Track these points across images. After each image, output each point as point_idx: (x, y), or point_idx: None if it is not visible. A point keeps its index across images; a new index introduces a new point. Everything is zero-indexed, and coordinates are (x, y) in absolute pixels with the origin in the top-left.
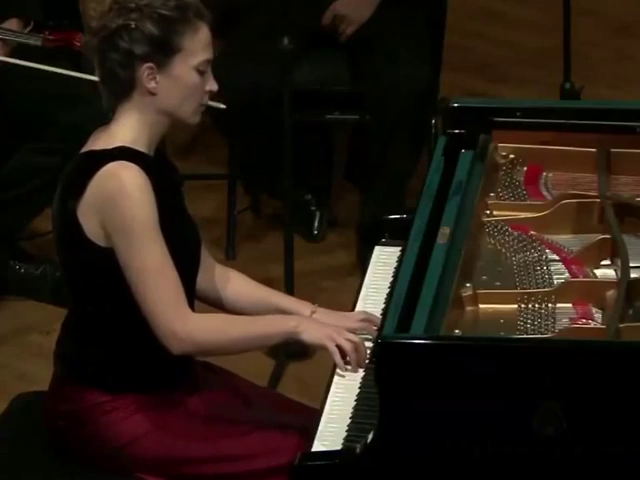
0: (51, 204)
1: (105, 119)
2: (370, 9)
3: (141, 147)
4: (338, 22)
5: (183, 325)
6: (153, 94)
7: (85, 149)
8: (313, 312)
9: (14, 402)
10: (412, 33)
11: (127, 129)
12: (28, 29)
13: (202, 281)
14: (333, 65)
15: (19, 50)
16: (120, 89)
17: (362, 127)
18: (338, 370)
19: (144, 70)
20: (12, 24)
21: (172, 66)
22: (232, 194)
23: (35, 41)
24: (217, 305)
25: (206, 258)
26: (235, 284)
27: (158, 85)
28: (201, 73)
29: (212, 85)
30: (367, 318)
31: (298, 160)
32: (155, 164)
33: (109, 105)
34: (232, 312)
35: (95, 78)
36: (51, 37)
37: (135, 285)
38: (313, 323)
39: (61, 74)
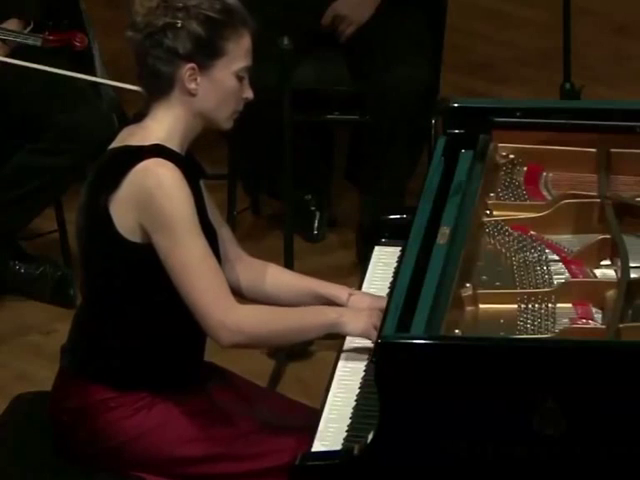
0: (51, 204)
1: (105, 119)
2: (370, 9)
3: (174, 146)
4: (338, 22)
5: (232, 316)
6: (192, 95)
7: (118, 144)
8: (351, 294)
9: (14, 402)
10: (412, 33)
11: (162, 126)
12: (28, 29)
13: (241, 277)
14: (333, 65)
15: (19, 50)
16: (159, 86)
17: (362, 127)
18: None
19: (186, 70)
20: (12, 24)
21: (214, 69)
22: (232, 194)
23: (35, 41)
24: (258, 298)
25: (239, 252)
26: (269, 274)
27: (198, 86)
28: (240, 79)
29: (249, 93)
30: None
31: (298, 160)
32: (187, 165)
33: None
34: (273, 304)
35: (95, 78)
36: (51, 37)
37: (180, 280)
38: (353, 313)
39: (61, 74)
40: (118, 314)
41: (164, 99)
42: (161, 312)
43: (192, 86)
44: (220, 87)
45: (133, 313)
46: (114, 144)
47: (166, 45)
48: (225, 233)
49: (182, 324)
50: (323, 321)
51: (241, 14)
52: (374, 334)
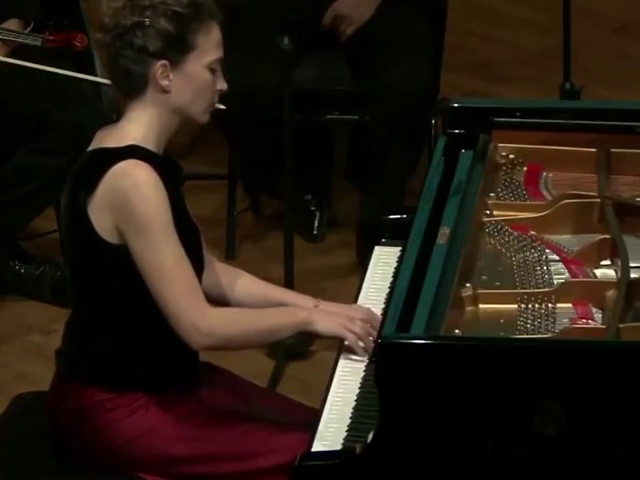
0: (51, 204)
1: (105, 119)
2: (371, 9)
3: (151, 146)
4: (338, 22)
5: (204, 320)
6: (166, 92)
7: (95, 146)
8: (316, 306)
9: (14, 402)
10: (412, 33)
11: (138, 127)
12: (28, 29)
13: (205, 279)
14: (333, 65)
15: (19, 50)
16: (132, 86)
17: (362, 127)
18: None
19: (158, 67)
20: (12, 24)
21: (186, 64)
22: (232, 194)
23: (35, 41)
24: (220, 303)
25: (209, 258)
26: (237, 281)
27: (171, 83)
28: (212, 72)
29: (222, 84)
30: (369, 316)
31: (298, 160)
32: (163, 164)
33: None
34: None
35: (95, 78)
36: (51, 37)
37: (154, 283)
38: (324, 313)
39: (61, 74)
40: (106, 316)
41: (138, 98)
42: (149, 312)
43: (165, 83)
44: (193, 81)
45: (120, 314)
46: (91, 146)
47: (136, 44)
48: None
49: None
50: (293, 320)
51: (208, 6)
52: (345, 334)
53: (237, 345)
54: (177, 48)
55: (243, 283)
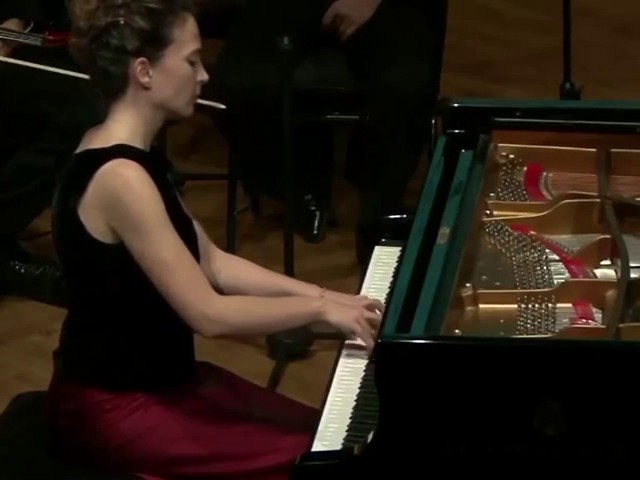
0: (51, 204)
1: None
2: (371, 9)
3: (137, 143)
4: (339, 22)
5: (213, 307)
6: (147, 88)
7: (82, 148)
8: (321, 295)
9: (14, 402)
10: (412, 33)
11: (123, 126)
12: (28, 29)
13: (208, 270)
14: (333, 65)
15: (19, 50)
16: (113, 87)
17: (362, 127)
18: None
19: (137, 65)
20: (12, 24)
21: (164, 59)
22: (232, 194)
23: (35, 41)
24: (220, 291)
25: (210, 248)
26: (241, 270)
27: (152, 79)
28: (192, 64)
29: (203, 75)
30: (373, 305)
31: (298, 160)
32: (151, 160)
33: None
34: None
35: None
36: (51, 37)
37: (157, 278)
38: (336, 305)
39: (61, 74)
40: (103, 315)
41: (120, 98)
42: (146, 310)
43: (145, 80)
44: (174, 75)
45: (117, 313)
46: (79, 148)
47: (113, 45)
48: (196, 226)
49: (165, 321)
50: (306, 310)
51: None
52: (357, 328)
53: (248, 333)
54: (154, 44)
55: (246, 272)
